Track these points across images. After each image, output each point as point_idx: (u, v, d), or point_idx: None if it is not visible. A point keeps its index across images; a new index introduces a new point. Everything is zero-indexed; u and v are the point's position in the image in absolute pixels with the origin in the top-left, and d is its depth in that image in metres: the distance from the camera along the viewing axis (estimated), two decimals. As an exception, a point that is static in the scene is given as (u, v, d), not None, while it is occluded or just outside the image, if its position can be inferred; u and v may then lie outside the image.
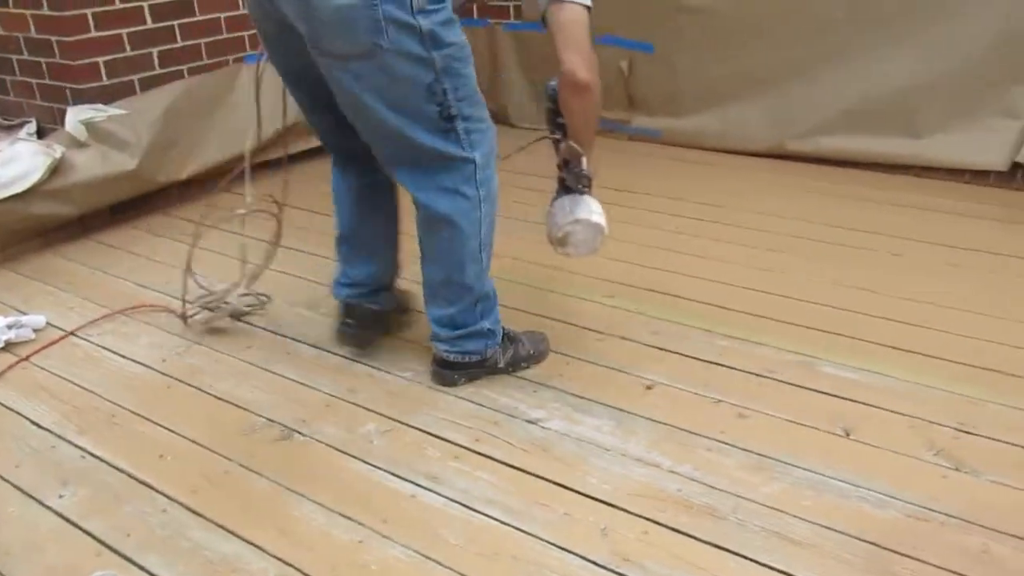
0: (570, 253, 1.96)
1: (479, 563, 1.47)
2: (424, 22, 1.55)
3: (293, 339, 2.20)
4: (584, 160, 1.87)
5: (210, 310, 2.26)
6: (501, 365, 1.97)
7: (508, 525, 1.55)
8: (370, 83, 1.61)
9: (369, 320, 2.07)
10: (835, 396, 1.90)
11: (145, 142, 2.88)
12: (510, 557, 1.48)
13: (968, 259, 2.54)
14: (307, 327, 2.25)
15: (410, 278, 2.16)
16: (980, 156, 3.08)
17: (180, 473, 1.71)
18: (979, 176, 3.11)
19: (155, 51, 3.10)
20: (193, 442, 1.81)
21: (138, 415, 1.90)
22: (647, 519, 1.56)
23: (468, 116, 1.69)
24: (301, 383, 2.01)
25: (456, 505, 1.61)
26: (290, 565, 1.47)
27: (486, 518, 1.57)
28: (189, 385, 2.01)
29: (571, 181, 1.90)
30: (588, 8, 1.68)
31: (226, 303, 2.26)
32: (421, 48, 1.57)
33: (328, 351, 2.13)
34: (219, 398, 1.96)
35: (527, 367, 2.00)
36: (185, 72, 3.20)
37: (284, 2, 1.61)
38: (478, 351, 1.93)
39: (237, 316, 2.26)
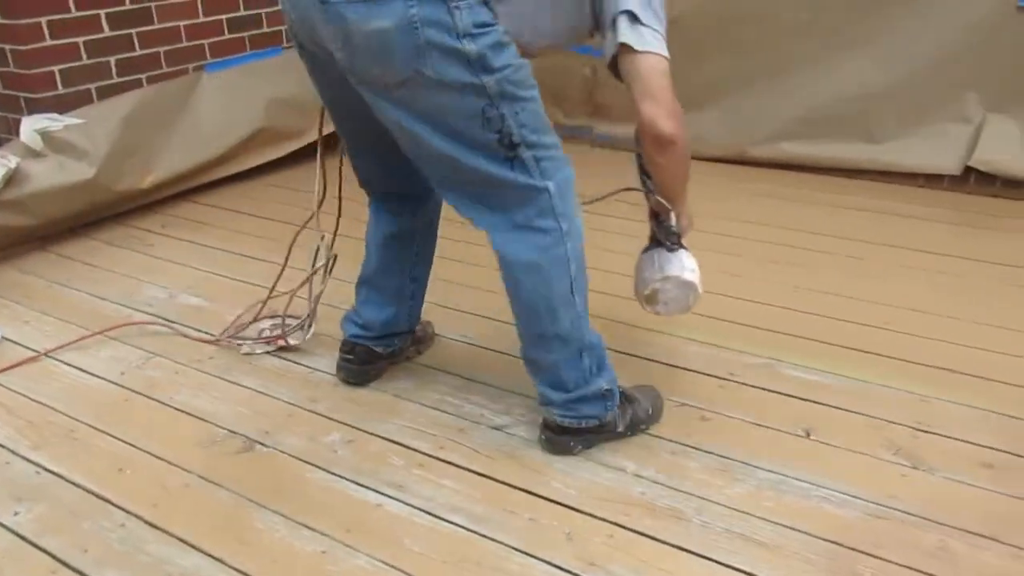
0: (659, 311, 1.81)
1: (444, 570, 1.46)
2: (471, 46, 1.40)
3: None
4: (673, 215, 1.74)
5: (240, 341, 2.18)
6: (620, 429, 1.77)
7: (473, 532, 1.55)
8: (416, 111, 1.47)
9: (369, 359, 2.00)
10: (796, 398, 1.93)
11: (103, 151, 2.83)
12: (475, 564, 1.47)
13: (923, 261, 2.59)
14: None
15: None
16: (934, 160, 3.15)
17: (139, 487, 1.68)
18: (933, 180, 3.18)
19: (112, 60, 3.06)
20: (153, 455, 1.77)
21: (96, 429, 1.86)
22: (612, 523, 1.56)
23: (534, 143, 1.52)
24: (263, 393, 1.99)
25: (421, 513, 1.60)
26: (252, 578, 1.45)
27: (451, 525, 1.57)
28: (148, 398, 1.98)
29: (660, 235, 1.78)
30: (667, 58, 1.53)
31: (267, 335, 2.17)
32: (470, 74, 1.42)
33: (290, 360, 2.11)
34: (179, 410, 1.93)
35: (645, 429, 1.82)
36: (144, 81, 3.16)
37: (320, 23, 1.46)
38: (596, 415, 1.74)
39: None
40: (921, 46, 3.05)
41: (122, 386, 2.03)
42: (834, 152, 3.28)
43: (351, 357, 1.99)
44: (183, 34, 3.26)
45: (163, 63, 3.22)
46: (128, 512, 1.61)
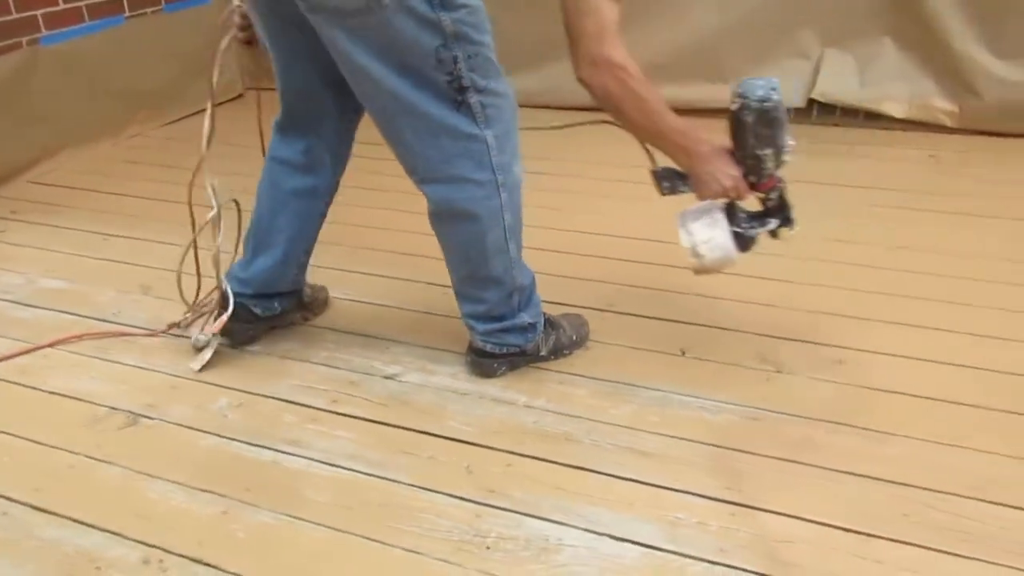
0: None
1: (348, 515, 1.48)
2: None
3: (126, 324, 2.10)
4: (653, 160, 1.75)
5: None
6: (543, 353, 1.86)
7: (373, 476, 1.58)
8: (369, 43, 1.44)
9: (247, 319, 1.93)
10: (672, 321, 2.04)
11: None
12: (379, 505, 1.50)
13: (793, 189, 2.75)
14: (140, 311, 2.15)
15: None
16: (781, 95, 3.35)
17: (19, 474, 1.61)
18: (781, 114, 3.38)
19: (-66, 36, 2.83)
20: (31, 441, 1.70)
21: (-37, 422, 1.77)
22: (508, 452, 1.63)
23: (483, 88, 1.52)
24: (142, 368, 1.93)
25: (319, 464, 1.61)
26: (154, 546, 1.43)
27: (351, 472, 1.59)
28: (20, 384, 1.88)
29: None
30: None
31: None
32: (428, 8, 1.40)
33: (167, 334, 2.05)
34: (55, 393, 1.85)
35: (569, 354, 1.91)
36: (-28, 58, 2.94)
37: None
38: (518, 344, 1.82)
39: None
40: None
41: (-13, 376, 1.92)
42: (688, 95, 3.42)
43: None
44: (12, 5, 3.03)
45: (-8, 37, 3.00)
46: (10, 499, 1.54)
